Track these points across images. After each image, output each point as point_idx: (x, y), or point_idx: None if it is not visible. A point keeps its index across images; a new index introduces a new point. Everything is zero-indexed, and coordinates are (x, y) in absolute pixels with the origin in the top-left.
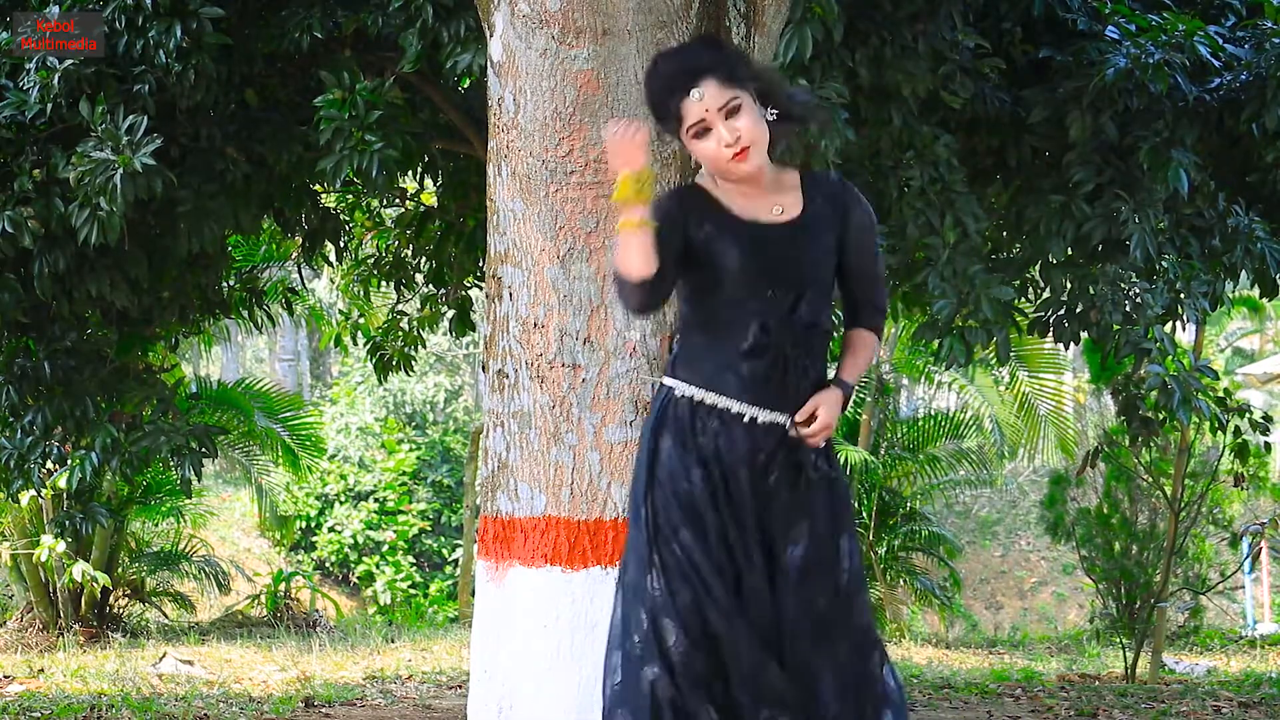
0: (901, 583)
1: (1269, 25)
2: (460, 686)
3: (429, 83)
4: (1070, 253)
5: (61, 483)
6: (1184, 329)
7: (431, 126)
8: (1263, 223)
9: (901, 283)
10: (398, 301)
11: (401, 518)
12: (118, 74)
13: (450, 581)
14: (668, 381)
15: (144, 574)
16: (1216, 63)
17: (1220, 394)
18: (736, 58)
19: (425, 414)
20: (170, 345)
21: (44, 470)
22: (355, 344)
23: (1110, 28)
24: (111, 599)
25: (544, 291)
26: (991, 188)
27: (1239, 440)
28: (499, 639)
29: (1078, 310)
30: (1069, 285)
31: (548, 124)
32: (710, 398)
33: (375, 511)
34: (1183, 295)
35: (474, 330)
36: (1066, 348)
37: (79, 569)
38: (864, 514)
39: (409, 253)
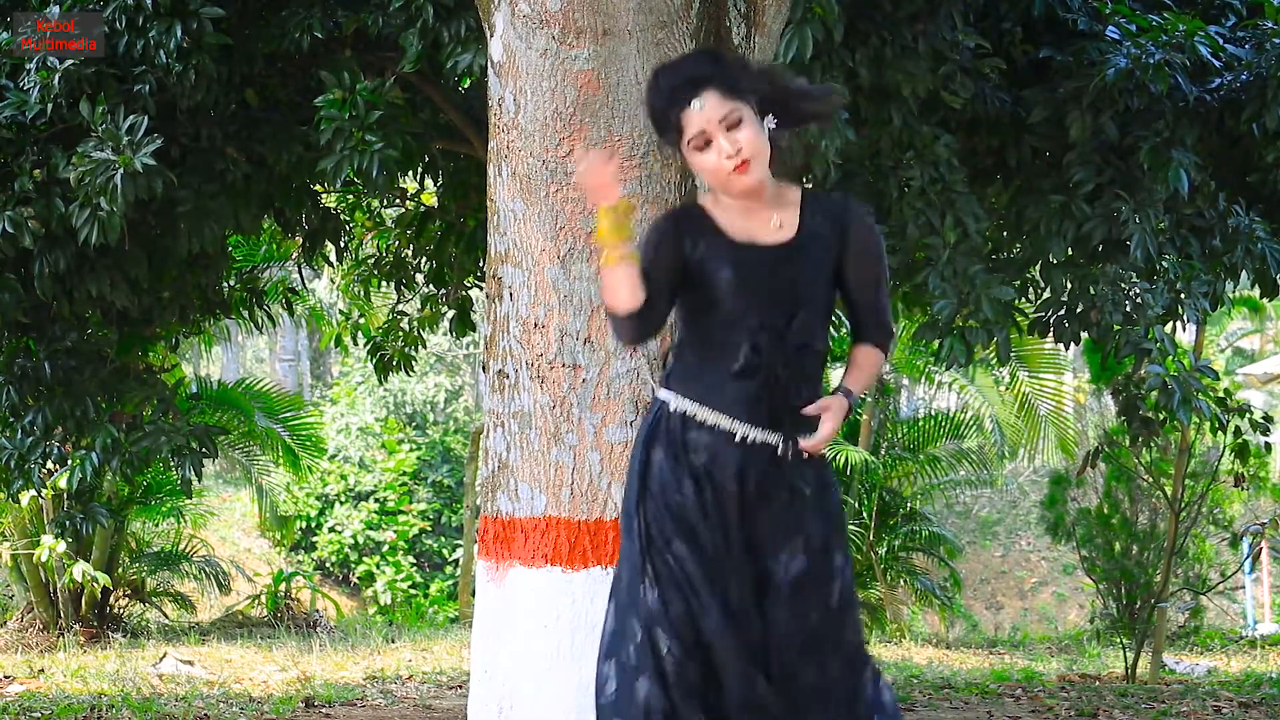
0: (902, 583)
1: (1269, 25)
2: (460, 687)
3: (429, 83)
4: (1070, 253)
5: (62, 483)
6: (1184, 329)
7: (432, 126)
8: (1263, 223)
9: (902, 283)
10: (398, 301)
11: (402, 518)
12: (118, 74)
13: (450, 582)
14: (661, 394)
15: (144, 574)
16: (1217, 63)
17: (1220, 394)
18: (738, 70)
19: (425, 414)
20: (170, 345)
21: (44, 470)
22: (355, 344)
23: (1110, 28)
24: (112, 599)
25: (544, 292)
26: (992, 188)
27: (1239, 440)
28: (499, 639)
29: (1078, 310)
30: (1069, 285)
31: (548, 124)
32: (703, 413)
33: (375, 512)
34: (1183, 295)
35: (474, 330)
36: (1067, 348)
37: (79, 569)
38: (864, 514)
39: (409, 253)
